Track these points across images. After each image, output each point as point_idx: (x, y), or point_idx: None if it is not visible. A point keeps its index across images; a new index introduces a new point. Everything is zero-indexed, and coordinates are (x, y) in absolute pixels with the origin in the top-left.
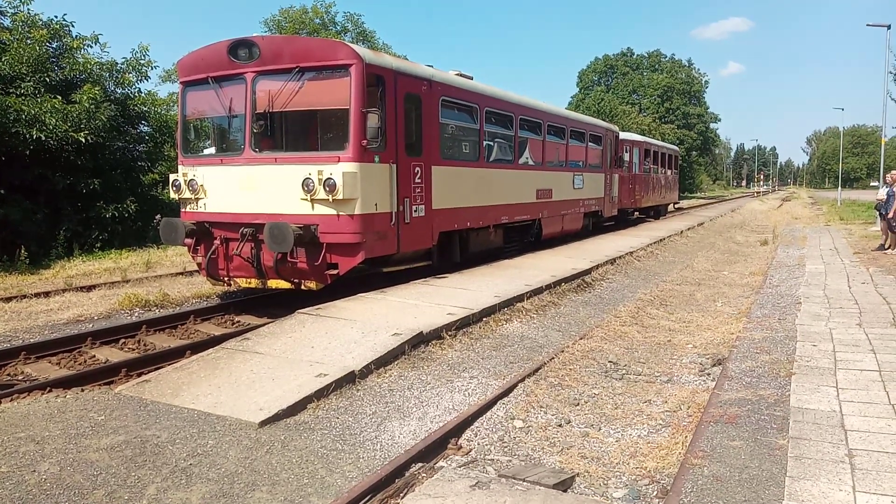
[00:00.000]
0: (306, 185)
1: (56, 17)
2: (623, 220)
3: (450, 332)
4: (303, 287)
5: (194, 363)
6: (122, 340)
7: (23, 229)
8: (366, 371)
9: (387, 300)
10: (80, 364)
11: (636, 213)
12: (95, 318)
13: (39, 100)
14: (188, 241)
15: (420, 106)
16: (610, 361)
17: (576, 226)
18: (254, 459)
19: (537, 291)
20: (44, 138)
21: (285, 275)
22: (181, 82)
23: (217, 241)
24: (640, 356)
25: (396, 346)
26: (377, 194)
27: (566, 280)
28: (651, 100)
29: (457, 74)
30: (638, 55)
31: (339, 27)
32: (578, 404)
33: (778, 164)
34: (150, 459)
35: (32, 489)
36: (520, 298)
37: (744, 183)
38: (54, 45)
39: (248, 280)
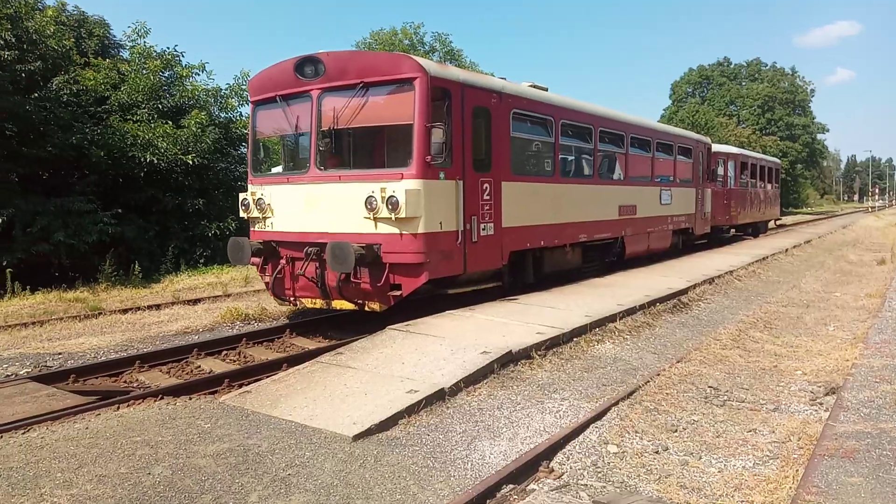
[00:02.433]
0: (369, 203)
1: (168, 47)
2: (717, 238)
3: (539, 352)
4: (366, 308)
5: (291, 376)
6: (225, 352)
7: (136, 246)
8: (455, 389)
9: (475, 317)
10: (187, 374)
11: (732, 231)
12: (200, 330)
13: (153, 125)
14: (255, 260)
15: (489, 119)
16: (710, 387)
17: (663, 244)
18: (348, 473)
19: (630, 311)
20: (156, 161)
21: (348, 295)
22: (252, 102)
23: (283, 261)
24: (743, 382)
25: (485, 365)
26: (442, 212)
27: (661, 300)
28: (750, 111)
29: (530, 86)
30: (736, 65)
31: (427, 47)
32: (676, 431)
33: (895, 178)
34: (252, 467)
35: (148, 490)
36: (612, 318)
37: (856, 197)
38: (166, 74)
39: (314, 300)
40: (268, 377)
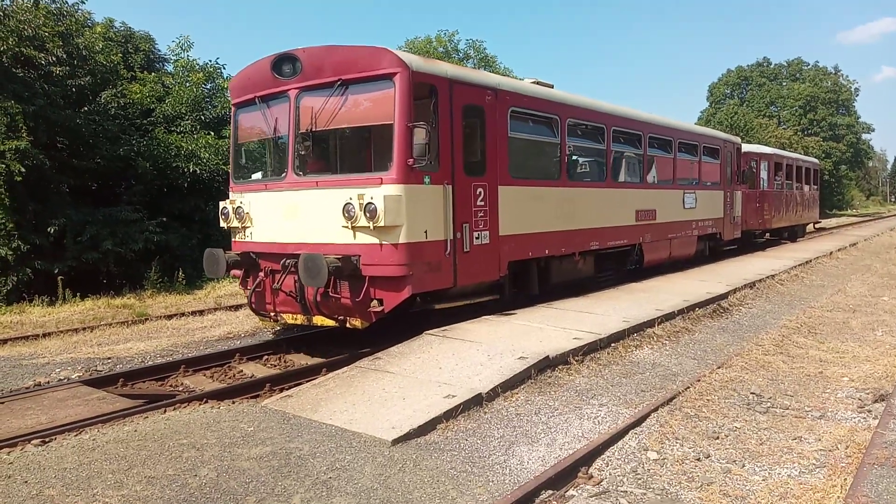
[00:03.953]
0: (347, 210)
1: (210, 60)
2: (750, 244)
3: (577, 358)
4: (347, 325)
5: (330, 380)
6: (266, 357)
7: (180, 253)
8: (493, 394)
9: (511, 323)
10: (230, 378)
11: (767, 235)
12: (242, 335)
13: (196, 136)
14: (237, 272)
15: (483, 119)
16: (752, 393)
17: (687, 251)
18: (388, 477)
19: (669, 317)
20: (198, 171)
21: (328, 311)
22: (233, 104)
23: (262, 274)
24: (787, 388)
25: (523, 370)
26: (427, 220)
27: (700, 305)
28: (791, 111)
29: (532, 82)
30: (776, 65)
31: (461, 54)
32: (718, 438)
33: None
34: (294, 470)
35: (194, 492)
36: (650, 324)
37: None
38: (208, 86)
39: (294, 316)
40: (308, 382)
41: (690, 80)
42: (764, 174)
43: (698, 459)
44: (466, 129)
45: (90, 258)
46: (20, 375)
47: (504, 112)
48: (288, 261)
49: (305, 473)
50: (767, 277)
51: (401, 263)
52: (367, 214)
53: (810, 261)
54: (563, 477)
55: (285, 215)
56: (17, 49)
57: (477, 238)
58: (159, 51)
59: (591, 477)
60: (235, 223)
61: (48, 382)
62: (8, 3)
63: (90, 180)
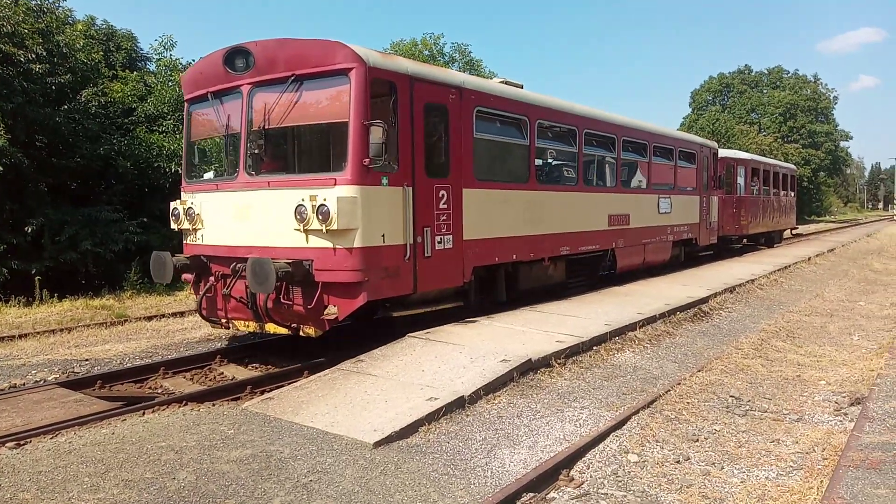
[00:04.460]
0: (299, 212)
1: (194, 60)
2: (726, 250)
3: (559, 361)
4: (301, 333)
5: (312, 383)
6: (247, 359)
7: None
8: (475, 397)
9: (493, 326)
10: (210, 380)
11: (744, 241)
12: (223, 337)
13: (178, 136)
14: (188, 276)
15: (447, 118)
16: (732, 396)
17: (662, 256)
18: (369, 480)
19: (650, 320)
20: (180, 171)
21: (280, 318)
22: (185, 100)
23: (212, 278)
24: (766, 391)
25: (505, 373)
26: (385, 223)
27: (681, 308)
28: (772, 118)
29: (501, 82)
30: (757, 72)
31: (447, 57)
32: (698, 440)
33: None
34: (274, 473)
35: (173, 495)
36: (632, 327)
37: (880, 205)
38: None
39: (246, 323)
40: (289, 384)
41: (673, 87)
42: (741, 180)
43: (678, 462)
44: (428, 128)
45: (68, 258)
46: None
47: (469, 112)
48: (239, 265)
49: (286, 476)
50: (747, 282)
51: (355, 269)
52: (320, 217)
53: (789, 266)
54: (545, 479)
55: (236, 217)
56: None
57: (439, 242)
58: (141, 50)
59: (573, 479)
60: (186, 225)
61: (24, 384)
62: None
63: (69, 179)
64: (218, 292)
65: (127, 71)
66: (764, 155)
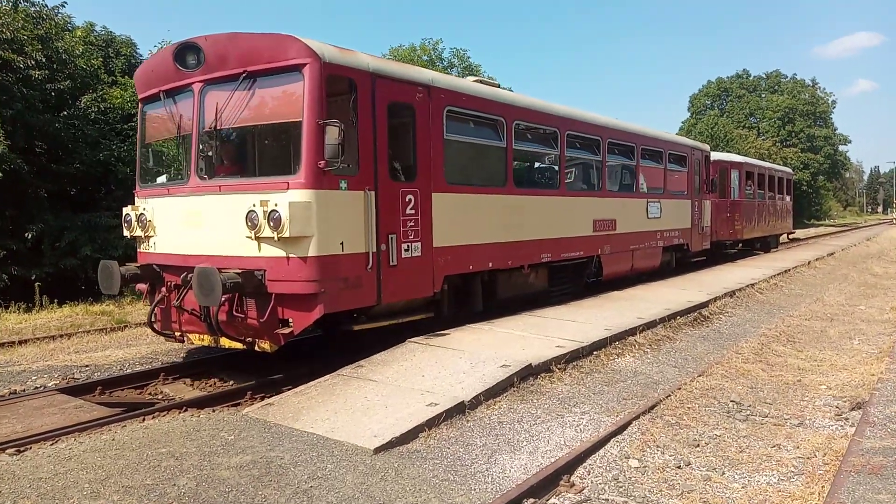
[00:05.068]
0: (250, 219)
1: None
2: (721, 255)
3: (559, 366)
4: (256, 348)
5: (312, 388)
6: (246, 365)
7: None
8: (475, 402)
9: (494, 331)
10: (210, 386)
11: (739, 246)
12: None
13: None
14: (141, 286)
15: (414, 118)
16: (732, 401)
17: (651, 263)
18: (370, 486)
19: (651, 325)
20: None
21: (233, 332)
22: (139, 100)
23: (164, 289)
24: (766, 396)
25: (505, 378)
26: (344, 230)
27: (681, 313)
28: (770, 122)
29: (475, 81)
30: (755, 77)
31: (445, 62)
32: (699, 445)
33: None
34: (274, 480)
35: (173, 501)
36: (632, 332)
37: (880, 209)
38: None
39: (201, 337)
40: (290, 390)
41: (671, 92)
42: (735, 183)
43: (679, 467)
44: (393, 129)
45: (68, 264)
46: None
47: (439, 111)
48: (190, 275)
49: (286, 482)
50: (747, 286)
51: (310, 279)
52: (272, 224)
53: (789, 270)
54: (545, 485)
55: (188, 223)
56: None
57: (406, 250)
58: (141, 55)
59: (573, 485)
60: (139, 232)
61: (24, 390)
62: None
63: (69, 185)
64: (170, 304)
65: (126, 77)
66: (763, 159)
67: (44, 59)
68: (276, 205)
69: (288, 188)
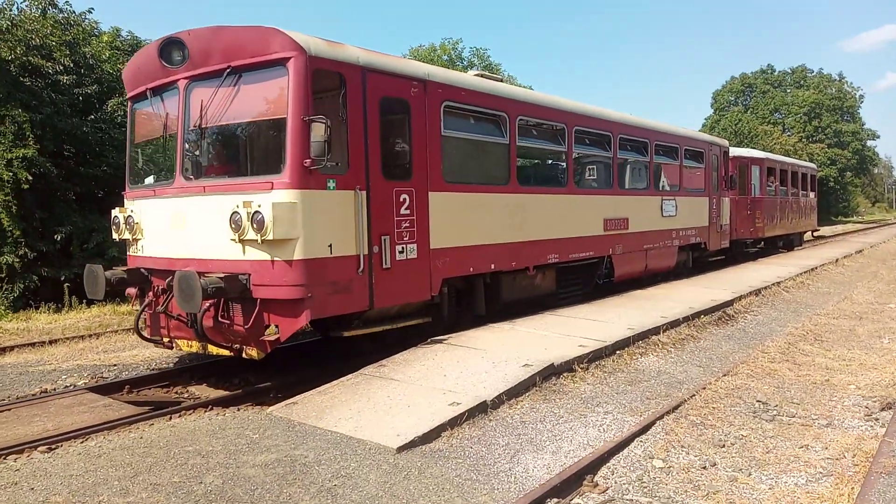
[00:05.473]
0: (234, 221)
1: None
2: (741, 254)
3: (582, 365)
4: (244, 355)
5: (335, 387)
6: (271, 364)
7: None
8: (497, 401)
9: (515, 330)
10: (235, 385)
11: (761, 245)
12: None
13: None
14: (131, 291)
15: (409, 114)
16: (758, 401)
17: (666, 263)
18: (393, 484)
19: (674, 324)
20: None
21: (221, 338)
22: (128, 98)
23: (151, 294)
24: (794, 396)
25: (527, 378)
26: (332, 232)
27: (705, 312)
28: (796, 118)
29: (476, 75)
30: (780, 72)
31: (465, 62)
32: (724, 446)
33: None
34: (299, 478)
35: (200, 499)
36: (655, 331)
37: None
38: None
39: (189, 343)
40: (313, 389)
41: (694, 88)
42: (756, 179)
43: (704, 468)
44: (386, 125)
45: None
46: (26, 382)
47: (436, 107)
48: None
49: (311, 481)
50: (773, 284)
51: (296, 284)
52: (255, 226)
53: (816, 268)
54: (569, 485)
55: (173, 225)
56: (24, 58)
57: (401, 252)
58: None
59: (597, 485)
60: (127, 235)
61: (54, 389)
62: (16, 13)
63: (97, 188)
64: (157, 309)
65: None
66: (788, 155)
67: (71, 65)
68: (259, 206)
69: (272, 188)
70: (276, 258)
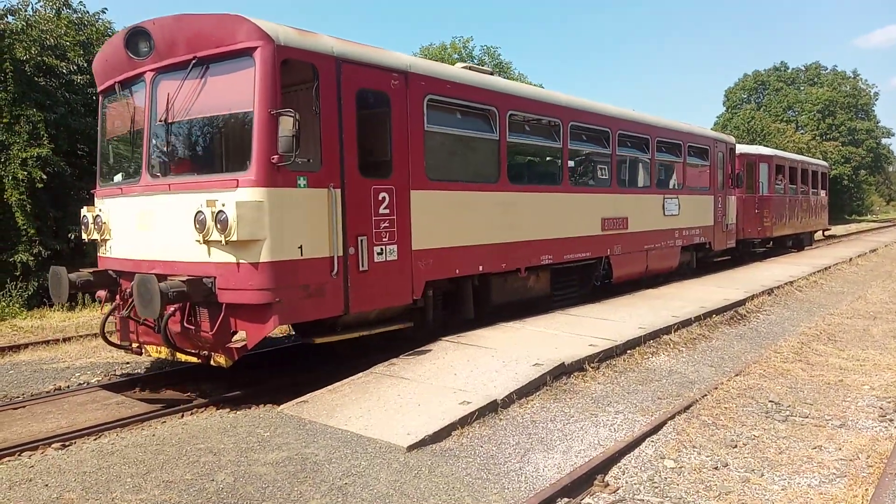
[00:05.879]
0: (198, 221)
1: None
2: (748, 254)
3: (592, 364)
4: (212, 363)
5: (346, 386)
6: (284, 362)
7: None
8: (508, 400)
9: (526, 329)
10: (247, 383)
11: (770, 244)
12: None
13: None
14: (101, 293)
15: (388, 108)
16: (771, 401)
17: (668, 263)
18: (403, 483)
19: (685, 323)
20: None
21: (188, 344)
22: (98, 92)
23: (119, 297)
24: (807, 396)
25: (538, 377)
26: (303, 232)
27: (717, 311)
28: (810, 116)
29: (464, 67)
30: (793, 69)
31: (476, 60)
32: (736, 446)
33: None
34: (310, 476)
35: (212, 496)
36: (667, 330)
37: None
38: None
39: (158, 349)
40: (324, 387)
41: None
42: (764, 177)
43: (716, 468)
44: (363, 120)
45: None
46: (40, 380)
47: (418, 100)
48: None
49: (321, 479)
50: (785, 284)
51: (263, 288)
52: (219, 226)
53: (829, 267)
54: (579, 484)
55: (140, 226)
56: (39, 58)
57: (380, 254)
58: None
59: (608, 485)
60: (95, 235)
61: (68, 387)
62: (30, 13)
63: None
64: (121, 313)
65: None
66: (801, 153)
67: (85, 64)
68: (223, 205)
69: (237, 186)
70: (241, 260)
